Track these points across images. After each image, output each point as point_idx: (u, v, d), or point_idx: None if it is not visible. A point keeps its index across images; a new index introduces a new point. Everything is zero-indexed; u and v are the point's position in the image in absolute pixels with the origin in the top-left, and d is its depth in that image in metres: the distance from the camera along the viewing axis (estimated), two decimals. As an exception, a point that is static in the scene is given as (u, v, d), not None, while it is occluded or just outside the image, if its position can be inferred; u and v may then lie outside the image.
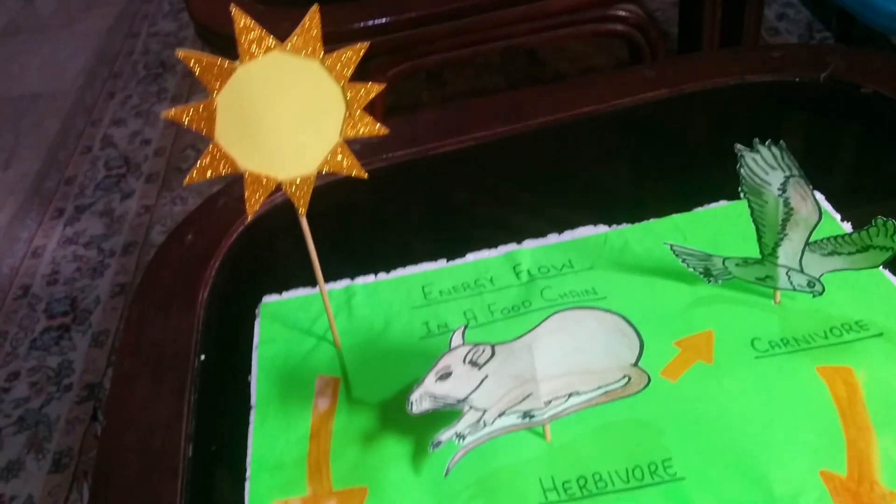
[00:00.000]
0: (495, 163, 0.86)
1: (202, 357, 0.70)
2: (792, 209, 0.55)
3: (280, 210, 0.82)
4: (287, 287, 0.72)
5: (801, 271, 0.58)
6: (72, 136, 2.26)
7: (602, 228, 0.71)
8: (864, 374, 0.54)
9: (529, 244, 0.70)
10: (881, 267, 0.61)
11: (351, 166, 0.56)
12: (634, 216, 0.71)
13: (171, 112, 0.49)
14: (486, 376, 0.50)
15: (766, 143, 0.53)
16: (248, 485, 0.55)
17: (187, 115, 0.50)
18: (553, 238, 0.71)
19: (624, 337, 0.50)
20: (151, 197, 2.00)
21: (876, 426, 0.51)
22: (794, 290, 0.59)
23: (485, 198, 0.80)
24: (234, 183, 0.87)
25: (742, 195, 0.57)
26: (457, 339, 0.50)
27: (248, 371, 0.65)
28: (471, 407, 0.51)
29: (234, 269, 0.78)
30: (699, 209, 0.70)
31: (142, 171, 2.09)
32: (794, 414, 0.53)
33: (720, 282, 0.62)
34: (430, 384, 0.49)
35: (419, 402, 0.49)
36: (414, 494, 0.53)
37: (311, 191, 0.56)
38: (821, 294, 0.58)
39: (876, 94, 0.83)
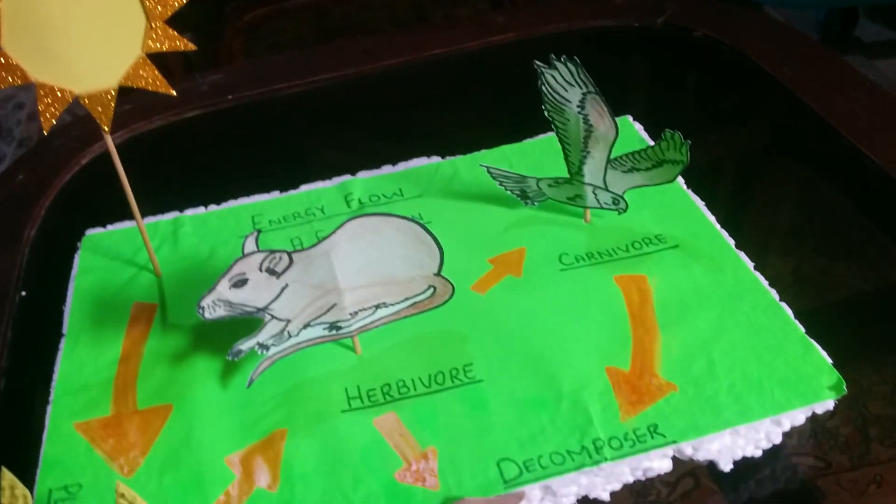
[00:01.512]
0: (342, 104, 0.86)
1: (23, 293, 0.68)
2: (591, 126, 0.57)
3: (122, 147, 0.80)
4: (114, 220, 0.70)
5: (606, 189, 0.60)
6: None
7: (435, 160, 0.72)
8: (657, 280, 0.57)
9: (364, 175, 0.71)
10: (684, 186, 0.65)
11: (155, 81, 0.55)
12: (470, 150, 0.73)
13: (-54, 16, 0.47)
14: (287, 285, 0.50)
15: (562, 58, 0.55)
16: (49, 408, 0.54)
17: (-35, 21, 0.48)
18: (387, 169, 0.71)
19: (423, 245, 0.51)
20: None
21: (661, 326, 0.54)
22: (601, 207, 0.61)
23: (328, 137, 0.80)
24: (74, 123, 0.84)
25: (546, 113, 0.58)
26: (250, 245, 0.50)
27: (64, 302, 0.63)
28: (272, 317, 0.51)
29: (65, 208, 0.76)
30: (527, 140, 0.72)
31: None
32: (588, 318, 0.55)
33: (536, 204, 0.64)
34: (224, 290, 0.49)
35: (212, 307, 0.49)
36: (218, 408, 0.53)
37: (112, 106, 0.55)
38: (624, 211, 0.61)
39: (706, 37, 0.87)
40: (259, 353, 0.51)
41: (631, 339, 0.53)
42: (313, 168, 0.73)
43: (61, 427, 0.52)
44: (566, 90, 0.56)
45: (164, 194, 0.74)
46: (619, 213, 0.61)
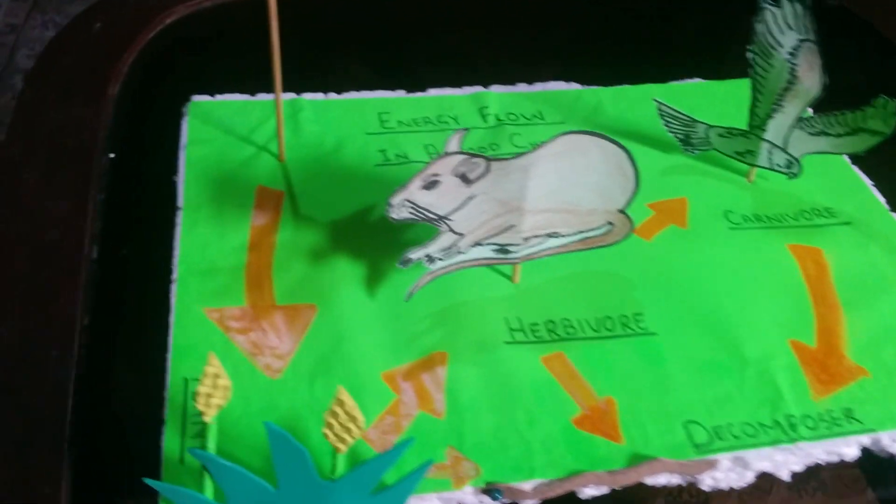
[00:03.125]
0: (479, 12, 0.78)
1: (111, 155, 0.61)
2: (796, 78, 0.53)
3: (208, 12, 0.72)
4: (217, 90, 0.63)
5: (784, 150, 0.56)
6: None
7: (574, 86, 0.66)
8: (833, 256, 0.54)
9: (498, 89, 0.65)
10: (849, 161, 0.61)
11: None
12: (605, 80, 0.67)
13: None
14: (473, 196, 0.45)
15: (793, -3, 0.50)
16: (174, 287, 0.48)
17: None
18: (522, 87, 0.66)
19: (622, 176, 0.46)
20: (19, 16, 1.76)
21: (844, 305, 0.51)
22: (772, 169, 0.57)
23: (453, 35, 0.73)
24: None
25: (750, 56, 0.54)
26: (453, 145, 0.45)
27: (173, 173, 0.56)
28: (449, 228, 0.46)
29: (154, 67, 0.68)
30: (674, 83, 0.67)
31: (10, -17, 1.83)
32: (765, 285, 0.52)
33: (696, 152, 0.60)
34: (415, 190, 0.43)
35: (399, 207, 0.44)
36: (367, 317, 0.48)
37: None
38: (796, 177, 0.57)
39: (840, 6, 0.82)
40: (425, 265, 0.46)
41: (813, 315, 0.50)
42: (440, 73, 0.67)
43: (190, 311, 0.47)
44: (783, 33, 0.52)
45: (268, 72, 0.66)
46: (789, 178, 0.57)
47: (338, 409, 0.33)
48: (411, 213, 0.44)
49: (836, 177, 0.60)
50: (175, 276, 0.49)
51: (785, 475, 0.45)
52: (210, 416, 0.34)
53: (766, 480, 0.45)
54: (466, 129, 0.46)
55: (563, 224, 0.49)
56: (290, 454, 0.35)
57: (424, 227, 0.49)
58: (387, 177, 0.57)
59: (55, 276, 0.51)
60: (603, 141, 0.45)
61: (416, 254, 0.46)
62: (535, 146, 0.44)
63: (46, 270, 0.52)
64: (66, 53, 0.69)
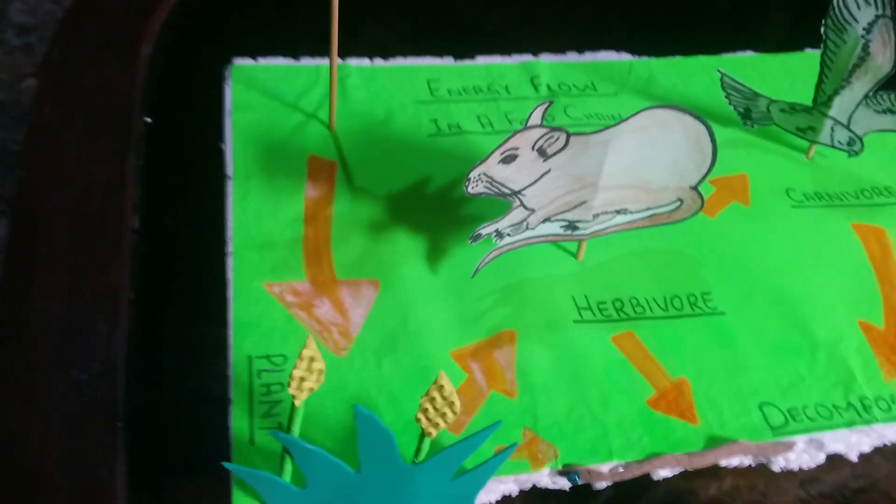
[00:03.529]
0: None
1: (148, 120, 0.58)
2: (868, 55, 0.51)
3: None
4: (257, 52, 0.60)
5: (847, 127, 0.55)
6: None
7: (625, 56, 0.64)
8: (896, 236, 0.53)
9: (547, 58, 0.63)
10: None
11: None
12: (655, 50, 0.66)
13: None
14: (549, 171, 0.44)
15: (874, -29, 0.48)
16: (230, 261, 0.46)
17: None
18: (573, 56, 0.64)
19: (698, 153, 0.45)
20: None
21: (911, 286, 0.50)
22: (833, 146, 0.56)
23: (505, 8, 0.70)
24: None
25: (822, 30, 0.52)
26: (535, 118, 0.43)
27: (216, 140, 0.54)
28: (521, 203, 0.44)
29: (188, 26, 0.65)
30: (727, 55, 0.66)
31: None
32: (831, 264, 0.51)
33: (755, 126, 0.58)
34: (493, 164, 0.42)
35: (476, 181, 0.42)
36: (431, 293, 0.46)
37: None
38: (857, 154, 0.56)
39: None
40: (494, 241, 0.45)
41: (880, 296, 0.49)
42: (488, 39, 0.65)
43: (249, 286, 0.45)
44: (859, 8, 0.50)
45: (310, 35, 0.63)
46: (850, 156, 0.56)
47: (436, 394, 0.32)
48: (487, 187, 0.43)
49: (894, 155, 0.58)
50: (230, 249, 0.47)
51: (854, 456, 0.44)
52: (300, 400, 0.32)
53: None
54: (550, 102, 0.45)
55: (633, 200, 0.47)
56: (377, 437, 0.34)
57: (485, 201, 0.47)
58: (441, 148, 0.55)
59: (100, 247, 0.50)
60: (685, 116, 0.44)
61: (487, 229, 0.44)
62: (618, 121, 0.42)
63: (91, 241, 0.50)
64: (94, 12, 0.66)
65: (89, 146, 0.55)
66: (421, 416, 0.33)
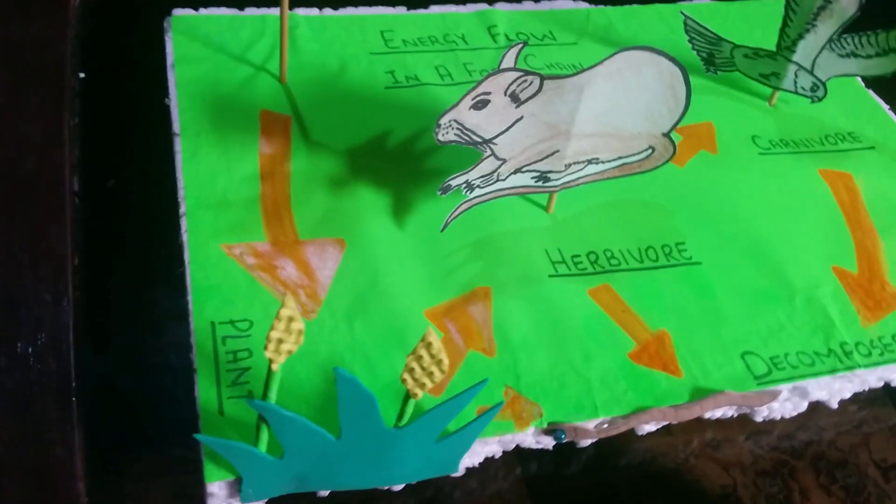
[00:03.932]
0: None
1: (81, 75, 0.54)
2: (834, -4, 0.50)
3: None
4: (199, 3, 0.56)
5: (811, 72, 0.54)
6: None
7: (582, 5, 0.63)
8: (863, 181, 0.53)
9: (503, 6, 0.61)
10: (863, 85, 0.60)
11: None
12: (620, 2, 0.64)
13: None
14: (522, 117, 0.41)
15: None
16: (184, 222, 0.43)
17: None
18: (529, 6, 0.62)
19: (672, 97, 0.44)
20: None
21: (879, 230, 0.50)
22: (796, 92, 0.56)
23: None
24: None
25: (789, -31, 0.51)
26: (508, 60, 0.41)
27: (159, 96, 0.51)
28: (492, 153, 0.42)
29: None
30: (685, 2, 0.64)
31: None
32: (801, 210, 0.50)
33: (718, 73, 0.57)
34: (464, 110, 0.40)
35: (446, 128, 0.40)
36: (400, 250, 0.44)
37: None
38: (820, 100, 0.55)
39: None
40: (464, 193, 0.43)
41: (852, 240, 0.49)
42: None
43: (206, 248, 0.42)
44: (824, -51, 0.49)
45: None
46: (812, 102, 0.55)
47: (423, 352, 0.30)
48: (457, 135, 0.40)
49: (854, 101, 0.59)
50: (183, 209, 0.44)
51: (835, 403, 0.44)
52: (278, 364, 0.30)
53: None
54: (525, 43, 0.42)
55: (605, 149, 0.45)
56: (358, 400, 0.32)
57: (450, 154, 0.45)
58: (400, 100, 0.52)
59: (38, 211, 0.46)
60: (660, 58, 0.42)
61: (456, 180, 0.42)
62: (594, 64, 0.40)
63: (27, 204, 0.46)
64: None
65: (18, 104, 0.50)
66: (407, 376, 0.31)
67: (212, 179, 0.45)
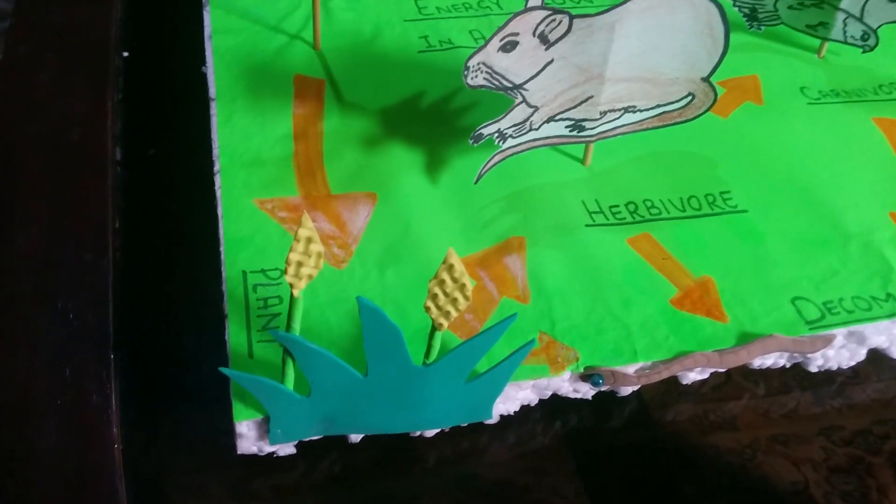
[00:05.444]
0: None
1: (126, 54, 0.56)
2: (882, -66, 0.48)
3: None
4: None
5: (860, 20, 0.52)
6: None
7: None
8: (921, 129, 0.50)
9: (540, -27, 0.60)
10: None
11: None
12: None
13: None
14: (552, 60, 0.41)
15: None
16: (218, 179, 0.43)
17: None
18: (565, -30, 0.61)
19: (709, 37, 0.42)
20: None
21: (939, 176, 0.47)
22: (845, 42, 0.53)
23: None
24: None
25: (832, -89, 0.49)
26: (535, -1, 0.40)
27: (197, 67, 0.51)
28: (523, 99, 0.41)
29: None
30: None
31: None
32: (854, 158, 0.48)
33: (762, 28, 0.55)
34: (492, 52, 0.39)
35: (475, 71, 0.39)
36: (433, 203, 0.43)
37: None
38: (871, 50, 0.53)
39: None
40: (496, 142, 0.42)
41: (909, 187, 0.46)
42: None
43: (239, 202, 0.42)
44: None
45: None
46: (864, 52, 0.53)
47: (445, 276, 0.29)
48: (487, 79, 0.40)
49: (910, 48, 0.56)
50: (217, 168, 0.44)
51: (895, 352, 0.41)
52: (299, 290, 0.30)
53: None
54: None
55: (642, 95, 0.44)
56: (384, 333, 0.31)
57: (482, 113, 0.45)
58: (433, 63, 0.52)
59: (81, 179, 0.47)
60: (694, -7, 0.41)
61: (488, 129, 0.42)
62: (622, 1, 0.39)
63: (70, 173, 0.47)
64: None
65: (64, 83, 0.52)
66: (430, 304, 0.30)
67: (246, 139, 0.46)
